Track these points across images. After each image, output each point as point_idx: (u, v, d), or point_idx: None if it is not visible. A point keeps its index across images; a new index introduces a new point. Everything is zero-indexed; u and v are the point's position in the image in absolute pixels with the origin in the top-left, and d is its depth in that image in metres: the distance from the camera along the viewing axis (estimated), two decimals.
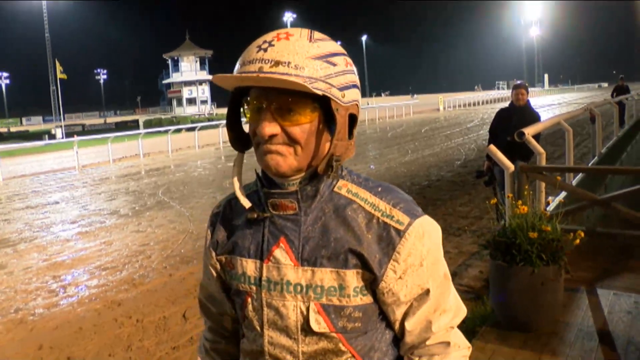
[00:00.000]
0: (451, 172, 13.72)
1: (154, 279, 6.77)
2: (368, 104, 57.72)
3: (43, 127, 66.43)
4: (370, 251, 1.22)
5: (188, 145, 26.52)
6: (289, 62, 1.14)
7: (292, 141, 1.19)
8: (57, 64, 41.99)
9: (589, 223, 6.37)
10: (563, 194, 5.92)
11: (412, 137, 24.81)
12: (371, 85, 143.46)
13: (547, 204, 5.53)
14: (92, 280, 6.90)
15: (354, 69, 1.26)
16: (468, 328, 4.39)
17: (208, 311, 1.55)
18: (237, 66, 1.21)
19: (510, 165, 4.98)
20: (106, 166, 21.41)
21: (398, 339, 1.33)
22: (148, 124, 50.67)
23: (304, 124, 1.18)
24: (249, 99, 1.23)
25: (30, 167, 22.55)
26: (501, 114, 7.41)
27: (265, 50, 1.16)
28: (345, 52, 1.26)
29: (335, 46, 1.23)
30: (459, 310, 1.34)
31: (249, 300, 1.31)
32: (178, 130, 32.20)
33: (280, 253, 1.26)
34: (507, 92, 46.78)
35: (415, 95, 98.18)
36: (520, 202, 4.01)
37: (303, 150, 1.20)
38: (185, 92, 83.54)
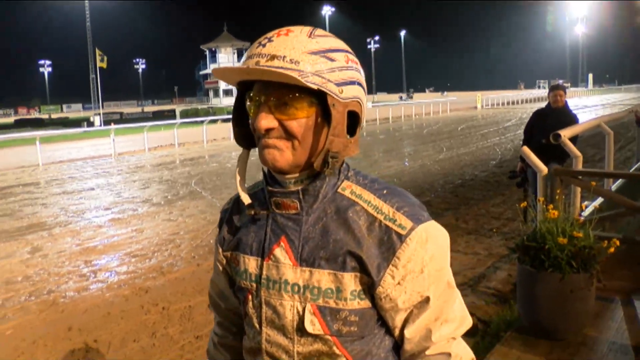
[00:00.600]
0: (486, 171, 13.51)
1: (182, 267, 6.85)
2: (401, 99, 57.36)
3: (82, 115, 67.94)
4: (369, 255, 1.20)
5: (223, 136, 26.72)
6: (284, 56, 1.14)
7: (289, 135, 1.18)
8: (98, 52, 42.72)
9: (628, 231, 6.17)
10: (600, 199, 5.76)
11: (447, 134, 24.52)
12: (408, 81, 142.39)
13: (582, 209, 5.38)
14: (122, 267, 7.02)
15: (358, 67, 1.24)
16: (493, 332, 4.32)
17: (217, 306, 1.56)
18: (241, 61, 1.23)
19: (543, 168, 4.85)
20: (142, 154, 21.76)
21: (399, 345, 1.30)
22: (184, 113, 51.30)
23: (301, 119, 1.18)
24: (251, 94, 1.23)
25: (68, 153, 23.03)
26: (537, 114, 7.26)
27: (264, 45, 1.17)
28: (349, 50, 1.24)
29: (337, 43, 1.22)
30: (463, 320, 1.29)
31: (250, 297, 1.32)
32: (214, 121, 32.50)
33: (280, 252, 1.26)
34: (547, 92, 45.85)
35: (445, 93, 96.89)
36: (551, 206, 3.90)
37: (300, 145, 1.19)
38: (222, 84, 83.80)
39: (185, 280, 6.34)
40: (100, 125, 38.06)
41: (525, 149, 5.14)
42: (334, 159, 1.18)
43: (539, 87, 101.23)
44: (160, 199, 11.62)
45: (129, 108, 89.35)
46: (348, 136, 1.22)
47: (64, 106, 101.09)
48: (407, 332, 1.25)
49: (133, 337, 4.96)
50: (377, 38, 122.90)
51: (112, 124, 28.26)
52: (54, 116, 71.94)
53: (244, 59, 1.21)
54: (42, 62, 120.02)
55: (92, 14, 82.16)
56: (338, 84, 1.16)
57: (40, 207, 11.51)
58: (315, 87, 1.13)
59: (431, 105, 43.42)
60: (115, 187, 13.77)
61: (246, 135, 1.32)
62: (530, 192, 6.74)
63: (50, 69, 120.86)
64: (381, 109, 39.37)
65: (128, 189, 13.28)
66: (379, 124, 33.40)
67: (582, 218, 4.09)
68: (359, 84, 1.22)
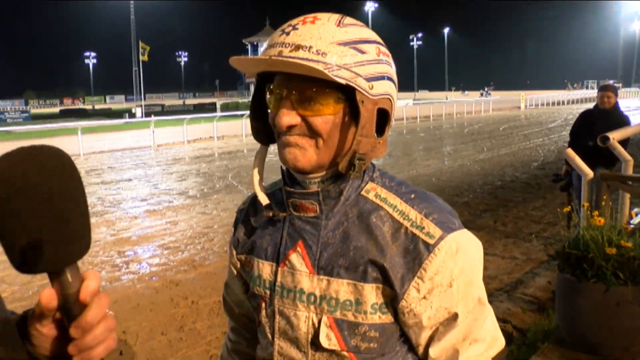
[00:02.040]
0: (527, 173, 13.14)
1: (213, 262, 6.82)
2: (447, 98, 56.66)
3: (125, 106, 69.33)
4: (393, 264, 1.09)
5: None
6: (310, 47, 1.03)
7: (313, 133, 1.08)
8: (141, 44, 43.44)
9: None
10: None
11: (489, 134, 24.04)
12: (451, 79, 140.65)
13: (631, 217, 5.12)
14: (154, 259, 7.03)
15: (390, 60, 1.12)
16: (529, 342, 4.13)
17: (231, 311, 1.49)
18: (262, 50, 1.11)
19: (588, 172, 4.61)
20: (180, 146, 21.99)
21: None
22: (225, 107, 51.72)
23: (327, 115, 1.07)
24: (271, 86, 1.12)
25: (109, 143, 23.42)
26: (584, 116, 6.97)
27: (288, 34, 1.06)
28: (381, 41, 1.12)
29: (368, 33, 1.10)
30: (495, 341, 1.17)
31: (263, 305, 1.23)
32: None
33: (296, 258, 1.16)
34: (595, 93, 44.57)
35: (487, 89, 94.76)
36: (596, 212, 3.68)
37: (325, 143, 1.09)
38: None
39: (216, 274, 6.30)
40: (142, 116, 38.70)
41: (570, 151, 4.90)
42: (360, 161, 1.08)
43: (587, 87, 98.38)
44: (197, 192, 11.67)
45: (171, 100, 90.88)
46: (376, 136, 1.11)
47: (107, 97, 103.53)
48: (432, 352, 1.14)
49: (161, 329, 4.94)
50: (420, 35, 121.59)
51: (153, 115, 28.64)
52: (97, 107, 73.79)
53: (264, 47, 1.10)
54: (87, 54, 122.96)
55: (137, 7, 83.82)
56: (368, 79, 1.06)
57: None
58: (343, 81, 1.03)
59: (473, 104, 42.73)
60: (152, 178, 13.92)
61: (265, 130, 1.22)
62: (575, 196, 6.47)
63: (95, 61, 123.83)
64: (422, 106, 38.91)
65: (165, 181, 13.39)
66: (419, 122, 33.01)
67: (630, 227, 3.86)
68: (390, 79, 1.11)
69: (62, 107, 73.38)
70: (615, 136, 5.06)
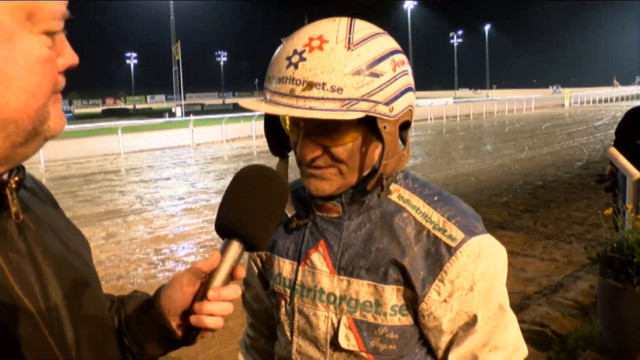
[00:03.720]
0: (570, 173, 12.79)
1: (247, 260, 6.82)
2: (487, 96, 55.76)
3: (165, 106, 70.46)
4: (414, 266, 1.08)
5: None
6: (323, 84, 0.97)
7: (335, 161, 1.07)
8: (177, 45, 44.21)
9: None
10: None
11: (530, 133, 23.54)
12: (492, 76, 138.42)
13: None
14: (190, 257, 7.08)
15: (405, 67, 1.06)
16: (569, 349, 3.97)
17: (250, 307, 1.49)
18: (267, 80, 1.06)
19: (634, 172, 4.40)
20: (219, 145, 22.21)
21: None
22: None
23: (348, 143, 1.05)
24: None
25: (149, 142, 23.84)
26: (632, 113, 6.67)
27: (297, 66, 0.99)
28: (394, 47, 1.04)
29: (379, 46, 1.02)
30: (516, 350, 1.14)
31: (283, 303, 1.24)
32: None
33: (318, 257, 1.17)
34: None
35: (555, 86, 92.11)
36: None
37: (349, 168, 1.08)
38: None
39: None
40: (182, 116, 39.24)
41: (614, 150, 4.70)
42: (388, 180, 1.07)
43: (638, 83, 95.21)
44: None
45: (210, 100, 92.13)
46: (402, 146, 1.09)
47: (148, 97, 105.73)
48: (451, 357, 1.13)
49: None
50: (460, 32, 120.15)
51: (192, 115, 29.02)
52: (138, 107, 75.38)
53: (271, 78, 1.04)
54: (128, 54, 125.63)
55: (176, 8, 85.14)
56: (387, 103, 1.02)
57: (118, 194, 11.91)
58: (363, 114, 1.00)
59: (515, 102, 41.93)
60: (190, 177, 14.07)
61: (280, 144, 1.21)
62: (620, 197, 6.23)
63: (136, 61, 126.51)
64: (462, 105, 38.39)
65: (203, 180, 13.52)
66: (459, 121, 32.56)
67: None
68: (409, 89, 1.07)
69: (104, 107, 75.15)
70: None
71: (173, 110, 47.07)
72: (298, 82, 0.99)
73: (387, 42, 1.05)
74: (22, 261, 0.73)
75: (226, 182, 12.71)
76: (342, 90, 0.98)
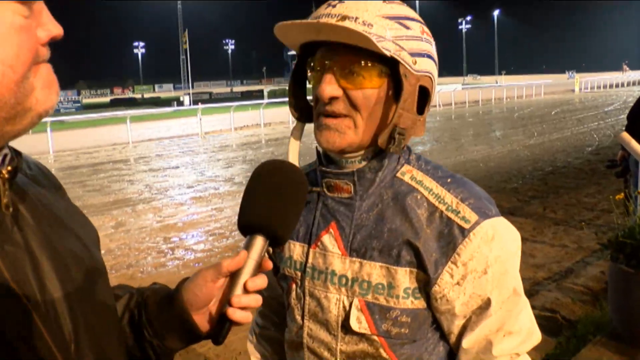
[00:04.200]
0: (580, 158, 12.69)
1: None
2: (497, 82, 55.39)
3: (173, 94, 70.49)
4: (427, 248, 1.07)
5: None
6: (356, 18, 1.02)
7: (353, 107, 1.06)
8: (185, 35, 44.23)
9: None
10: None
11: (540, 119, 23.36)
12: (501, 62, 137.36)
13: None
14: (199, 245, 7.10)
15: (432, 40, 1.12)
16: (579, 334, 3.96)
17: (260, 294, 1.43)
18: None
19: None
20: (228, 134, 22.21)
21: (454, 353, 1.16)
22: (272, 94, 52.10)
23: (368, 89, 1.06)
24: (312, 63, 1.11)
25: (157, 131, 23.91)
26: None
27: (334, 6, 1.06)
28: (423, 22, 1.11)
29: (413, 12, 1.10)
30: (530, 335, 1.13)
31: (293, 286, 1.22)
32: None
33: (329, 239, 1.15)
34: None
35: (572, 73, 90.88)
36: None
37: (364, 121, 1.07)
38: None
39: None
40: (190, 104, 39.32)
41: (625, 134, 4.64)
42: (400, 135, 1.06)
43: None
44: (242, 179, 11.74)
45: (219, 88, 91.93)
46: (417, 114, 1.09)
47: (156, 86, 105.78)
48: (465, 342, 1.11)
49: None
50: (468, 18, 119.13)
51: (200, 103, 29.03)
52: (146, 96, 75.40)
53: (309, 18, 1.08)
54: (136, 44, 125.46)
55: None
56: (412, 54, 1.05)
57: (127, 183, 11.96)
58: (388, 53, 1.02)
59: (524, 88, 41.62)
60: (199, 165, 14.10)
61: (303, 108, 1.22)
62: (632, 183, 6.17)
63: (143, 51, 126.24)
64: (470, 91, 38.15)
65: (211, 168, 13.55)
66: (468, 107, 32.38)
67: None
68: (432, 59, 1.10)
69: (113, 97, 75.36)
70: None
71: (181, 99, 47.15)
72: (333, 15, 1.04)
73: (419, 17, 1.12)
74: (19, 254, 0.70)
75: (235, 170, 12.79)
76: (372, 26, 1.02)
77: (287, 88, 1.25)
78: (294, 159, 1.20)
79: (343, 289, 1.13)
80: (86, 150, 18.26)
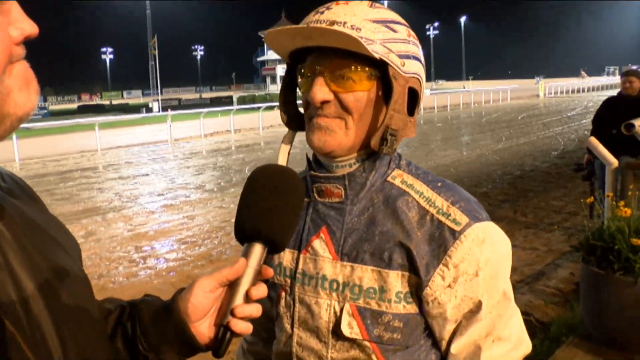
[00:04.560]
0: (547, 162, 12.95)
1: (231, 256, 6.79)
2: (464, 87, 56.12)
3: (142, 101, 69.60)
4: (418, 251, 1.06)
5: (279, 122, 26.31)
6: (345, 22, 1.04)
7: (344, 110, 1.07)
8: (153, 41, 43.81)
9: None
10: None
11: (507, 123, 23.76)
12: (468, 68, 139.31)
13: None
14: (171, 254, 7.02)
15: (418, 42, 1.13)
16: (552, 336, 4.03)
17: None
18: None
19: (613, 161, 4.47)
20: (197, 140, 22.02)
21: None
22: (241, 100, 51.87)
23: (359, 92, 1.07)
24: (302, 70, 1.12)
25: (126, 138, 23.55)
26: (608, 103, 6.79)
27: (322, 13, 1.08)
28: (409, 26, 1.14)
29: (398, 16, 1.12)
30: (520, 342, 1.13)
31: (283, 294, 1.20)
32: (270, 108, 32.57)
33: (320, 244, 1.14)
34: (617, 79, 43.70)
35: (540, 78, 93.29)
36: (622, 203, 3.56)
37: (355, 123, 1.08)
38: (279, 70, 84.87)
39: None
40: (159, 111, 38.88)
41: (593, 139, 4.77)
42: (392, 137, 1.06)
43: (607, 73, 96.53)
44: (214, 186, 11.66)
45: (188, 94, 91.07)
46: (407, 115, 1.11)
47: (125, 92, 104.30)
48: (454, 347, 1.10)
49: None
50: (436, 24, 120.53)
51: (170, 110, 28.75)
52: (114, 102, 74.35)
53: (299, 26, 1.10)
54: (104, 49, 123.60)
55: (153, 2, 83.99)
56: (400, 56, 1.07)
57: (96, 191, 11.76)
58: (377, 56, 1.04)
59: (491, 93, 42.28)
60: (169, 173, 13.95)
61: (293, 116, 1.23)
62: (597, 186, 6.32)
63: (112, 57, 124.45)
64: (439, 96, 38.59)
65: (182, 175, 13.41)
66: (437, 112, 32.74)
67: None
68: (419, 61, 1.12)
69: (80, 103, 74.08)
70: None
71: (150, 105, 46.56)
72: (321, 21, 1.06)
73: (403, 20, 1.13)
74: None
75: (205, 177, 12.70)
76: (360, 30, 1.04)
77: (256, 94, 1.24)
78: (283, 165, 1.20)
79: (334, 294, 1.12)
80: (53, 158, 17.90)
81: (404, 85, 1.07)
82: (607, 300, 3.42)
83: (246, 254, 0.90)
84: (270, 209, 0.90)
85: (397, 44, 1.07)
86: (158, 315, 0.91)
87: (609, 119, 6.29)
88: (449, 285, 1.07)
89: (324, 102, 1.07)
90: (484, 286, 1.07)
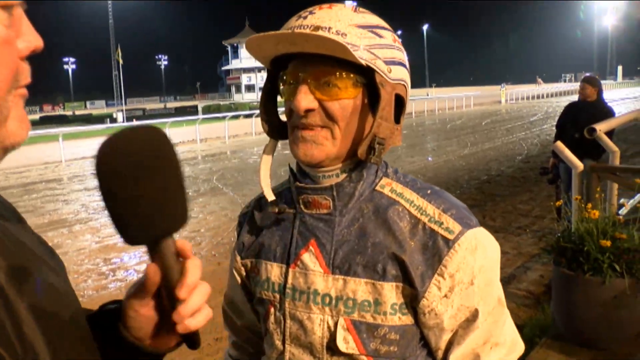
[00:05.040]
0: (512, 167, 13.19)
1: (202, 266, 6.71)
2: (428, 95, 56.83)
3: (106, 111, 68.46)
4: (412, 261, 1.04)
5: (245, 131, 26.64)
6: (329, 27, 1.00)
7: (329, 119, 1.04)
8: (118, 51, 43.21)
9: None
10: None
11: (472, 129, 24.12)
12: (431, 75, 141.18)
13: (620, 207, 5.12)
14: (141, 265, 6.91)
15: (402, 48, 1.11)
16: (526, 337, 4.09)
17: (232, 324, 1.39)
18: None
19: (578, 164, 4.60)
20: None
21: None
22: (207, 109, 51.45)
23: (345, 100, 1.03)
24: (285, 75, 1.08)
25: (91, 149, 22.32)
26: (569, 109, 6.99)
27: (305, 17, 1.04)
28: (393, 30, 1.10)
29: (383, 21, 1.08)
30: (514, 345, 1.13)
31: (272, 310, 1.16)
32: (236, 117, 32.46)
33: (309, 257, 1.10)
34: (575, 85, 44.77)
35: (504, 85, 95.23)
36: (590, 205, 3.66)
37: (342, 132, 1.05)
38: (244, 79, 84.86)
39: (205, 279, 5.90)
40: (123, 121, 38.24)
41: (559, 144, 4.88)
42: (380, 145, 1.04)
43: (564, 80, 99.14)
44: None
45: (152, 104, 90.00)
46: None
47: (88, 103, 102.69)
48: (452, 357, 1.09)
49: None
50: (399, 32, 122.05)
51: (135, 120, 28.36)
52: (77, 113, 72.99)
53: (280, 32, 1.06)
54: (66, 59, 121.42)
55: (115, 11, 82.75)
56: (387, 62, 1.04)
57: (61, 203, 11.49)
58: (364, 62, 1.01)
59: (454, 99, 42.90)
60: None
61: (275, 125, 1.18)
62: (563, 189, 6.48)
63: (74, 67, 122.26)
64: None
65: None
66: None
67: (621, 217, 3.84)
68: (405, 67, 1.09)
69: (42, 114, 72.36)
70: (601, 128, 5.05)
71: (114, 115, 45.82)
72: (305, 26, 1.02)
73: (388, 25, 1.10)
74: None
75: None
76: (346, 35, 1.01)
77: (221, 103, 1.22)
78: (265, 176, 1.16)
79: (327, 309, 1.08)
80: (15, 170, 17.43)
81: (390, 92, 1.05)
82: (577, 301, 3.51)
83: (153, 257, 0.74)
84: (147, 200, 0.68)
85: (383, 50, 1.04)
86: (110, 345, 0.82)
87: (572, 123, 6.48)
88: (445, 295, 1.05)
89: (309, 111, 1.03)
90: (479, 294, 1.06)
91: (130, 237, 0.71)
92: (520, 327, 4.37)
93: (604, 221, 3.51)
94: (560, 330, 3.74)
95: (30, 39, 0.62)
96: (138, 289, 0.77)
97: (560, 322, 3.77)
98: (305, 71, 1.04)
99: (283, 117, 1.16)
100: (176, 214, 0.71)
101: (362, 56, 1.01)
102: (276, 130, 1.18)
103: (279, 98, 1.17)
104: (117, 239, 7.59)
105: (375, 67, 1.02)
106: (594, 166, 4.62)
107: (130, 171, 0.67)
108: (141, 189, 0.68)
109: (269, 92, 1.16)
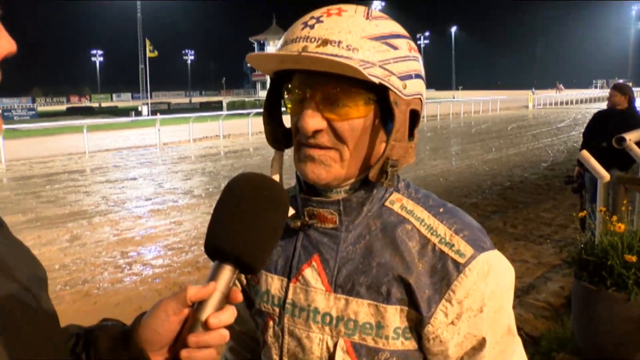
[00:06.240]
0: (536, 174, 12.97)
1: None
2: (454, 97, 56.40)
3: (131, 104, 69.16)
4: (419, 284, 0.98)
5: None
6: (339, 42, 0.92)
7: (338, 140, 0.97)
8: (147, 42, 43.53)
9: None
10: None
11: (497, 134, 23.86)
12: (458, 77, 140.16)
13: None
14: (157, 260, 6.93)
15: (419, 56, 1.02)
16: (543, 351, 3.99)
17: (231, 329, 1.32)
18: (279, 46, 1.00)
19: (604, 175, 4.45)
20: (186, 145, 21.88)
21: None
22: (231, 105, 51.79)
23: (355, 119, 0.96)
24: (290, 86, 1.00)
25: (115, 141, 23.36)
26: (598, 116, 6.81)
27: (312, 27, 0.95)
28: (409, 36, 1.01)
29: (397, 27, 1.00)
30: None
31: (270, 323, 1.11)
32: (260, 113, 32.48)
33: (311, 273, 1.05)
34: (606, 92, 44.15)
35: (534, 89, 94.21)
36: (615, 217, 3.54)
37: (351, 153, 0.98)
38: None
39: None
40: (148, 114, 38.57)
41: (585, 152, 4.74)
42: (393, 168, 0.97)
43: (595, 87, 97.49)
44: (202, 191, 11.57)
45: (177, 99, 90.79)
46: (410, 141, 1.02)
47: (114, 95, 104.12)
48: None
49: None
50: (427, 34, 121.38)
51: (159, 114, 28.59)
52: (104, 105, 74.05)
53: (283, 42, 0.99)
54: (94, 51, 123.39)
55: (143, 5, 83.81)
56: (401, 78, 0.97)
57: (83, 195, 11.62)
58: (377, 81, 0.93)
59: (480, 103, 42.49)
60: (157, 177, 13.83)
61: (279, 135, 1.11)
62: (587, 199, 6.32)
63: (102, 59, 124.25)
64: (429, 106, 38.70)
65: (170, 180, 13.30)
66: (426, 121, 32.81)
67: None
68: (421, 77, 1.01)
69: (69, 105, 73.65)
70: (631, 137, 4.89)
71: (139, 108, 46.27)
72: (312, 39, 0.94)
73: (404, 30, 1.02)
74: None
75: (194, 182, 12.60)
76: (357, 50, 0.93)
77: (246, 99, 1.15)
78: None
79: (327, 328, 1.04)
80: (40, 160, 17.71)
81: (405, 111, 0.98)
82: (599, 316, 3.39)
83: (214, 276, 0.79)
84: (245, 227, 0.79)
85: (398, 64, 0.96)
86: (116, 345, 0.83)
87: (599, 132, 6.31)
88: (452, 322, 1.00)
89: (317, 132, 0.97)
90: (488, 322, 1.01)
91: (212, 246, 0.80)
92: (537, 340, 4.27)
93: (630, 235, 3.39)
94: (580, 345, 3.62)
95: (3, 44, 0.61)
96: (182, 294, 0.78)
97: (580, 337, 3.65)
98: (313, 87, 0.97)
99: (287, 124, 1.10)
100: (254, 254, 0.80)
101: (375, 74, 0.93)
102: (281, 140, 1.12)
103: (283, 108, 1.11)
104: (135, 232, 7.66)
105: (389, 85, 0.95)
106: (622, 177, 4.47)
107: (248, 193, 0.82)
108: (249, 211, 0.80)
109: (273, 100, 1.10)
